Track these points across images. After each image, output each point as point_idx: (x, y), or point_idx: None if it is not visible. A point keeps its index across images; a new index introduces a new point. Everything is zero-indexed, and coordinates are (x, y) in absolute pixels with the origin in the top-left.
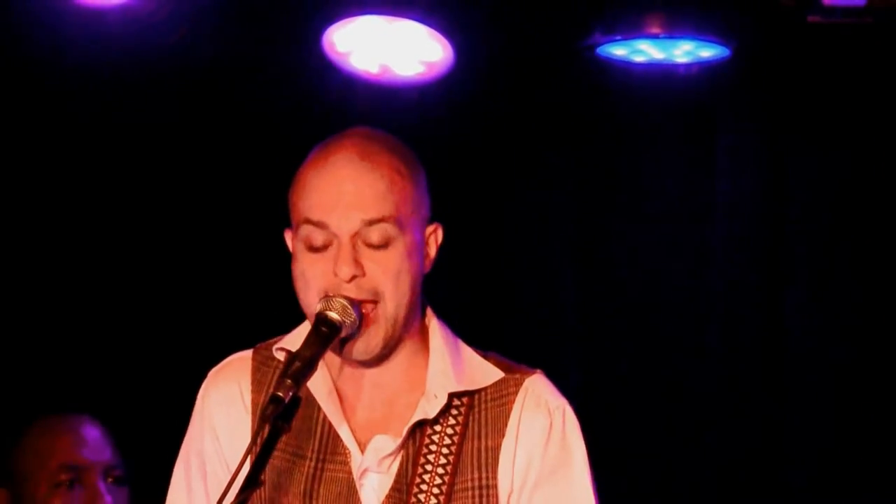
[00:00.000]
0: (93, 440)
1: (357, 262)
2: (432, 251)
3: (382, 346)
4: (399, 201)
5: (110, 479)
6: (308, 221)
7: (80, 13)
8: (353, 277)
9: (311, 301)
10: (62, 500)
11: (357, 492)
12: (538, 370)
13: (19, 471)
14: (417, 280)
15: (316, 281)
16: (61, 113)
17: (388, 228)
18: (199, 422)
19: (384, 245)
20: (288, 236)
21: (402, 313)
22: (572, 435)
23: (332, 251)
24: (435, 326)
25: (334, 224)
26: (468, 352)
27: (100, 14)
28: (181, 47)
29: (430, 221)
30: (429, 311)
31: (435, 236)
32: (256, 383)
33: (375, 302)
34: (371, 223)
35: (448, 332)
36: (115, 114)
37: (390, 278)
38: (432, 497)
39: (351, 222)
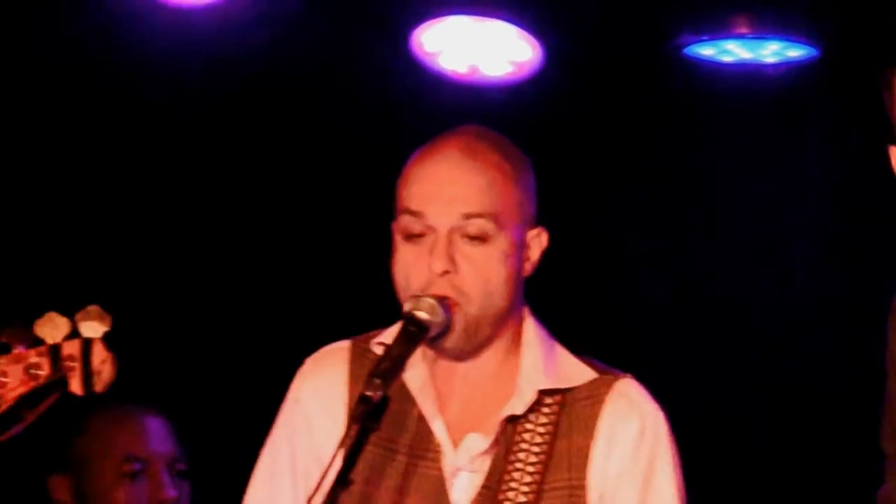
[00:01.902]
0: (158, 432)
1: (451, 259)
2: (534, 255)
3: (463, 341)
4: (499, 199)
5: (175, 472)
6: (407, 211)
7: (166, 14)
8: (445, 273)
9: (404, 293)
10: (127, 491)
11: (447, 490)
12: (630, 374)
13: (82, 459)
14: (512, 282)
15: (410, 273)
16: (149, 113)
17: (485, 225)
18: (292, 409)
19: (481, 241)
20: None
21: (489, 313)
22: (664, 441)
23: (428, 244)
24: (530, 325)
25: (432, 215)
26: (562, 352)
27: (186, 14)
28: (269, 47)
29: (535, 225)
30: (526, 312)
31: (539, 240)
32: (354, 375)
33: (459, 303)
34: (469, 217)
35: (544, 332)
36: (203, 114)
37: (480, 280)
38: (522, 495)
39: (449, 215)
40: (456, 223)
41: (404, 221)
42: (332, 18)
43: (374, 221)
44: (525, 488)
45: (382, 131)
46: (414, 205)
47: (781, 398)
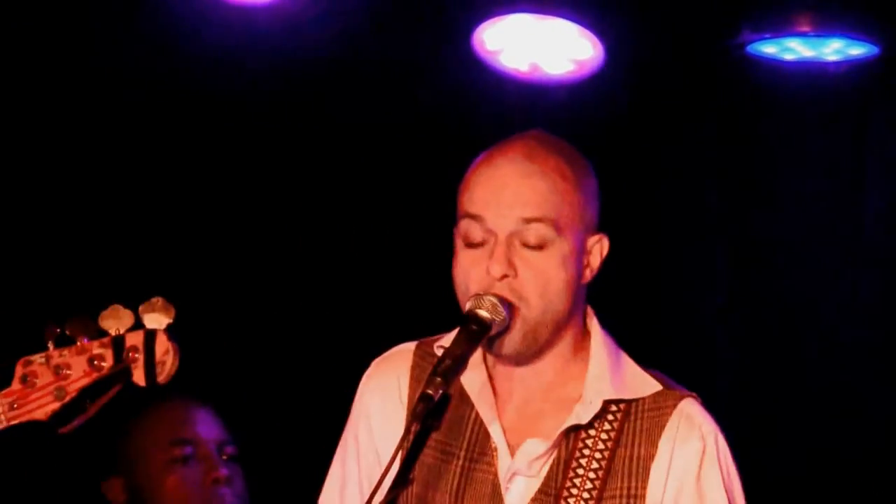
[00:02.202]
0: (204, 418)
1: (510, 263)
2: (595, 262)
3: (521, 345)
4: (560, 205)
5: (224, 456)
6: (468, 215)
7: (229, 12)
8: (504, 277)
9: (463, 297)
10: (178, 475)
11: (502, 494)
12: (694, 394)
13: (131, 454)
14: (572, 288)
15: (469, 278)
16: (211, 111)
17: (545, 230)
18: (357, 409)
19: (540, 247)
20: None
21: (547, 318)
22: (724, 462)
23: (488, 248)
24: (597, 333)
25: (491, 219)
26: (629, 362)
27: (249, 13)
28: (330, 47)
29: (596, 231)
30: (591, 319)
31: (599, 246)
32: (415, 378)
33: (517, 307)
34: (528, 222)
35: (610, 341)
36: (265, 112)
37: (539, 284)
38: (582, 502)
39: (508, 220)
40: (515, 228)
41: (464, 226)
42: (394, 17)
43: (436, 220)
44: (586, 495)
45: (444, 129)
46: (474, 209)
47: (844, 408)
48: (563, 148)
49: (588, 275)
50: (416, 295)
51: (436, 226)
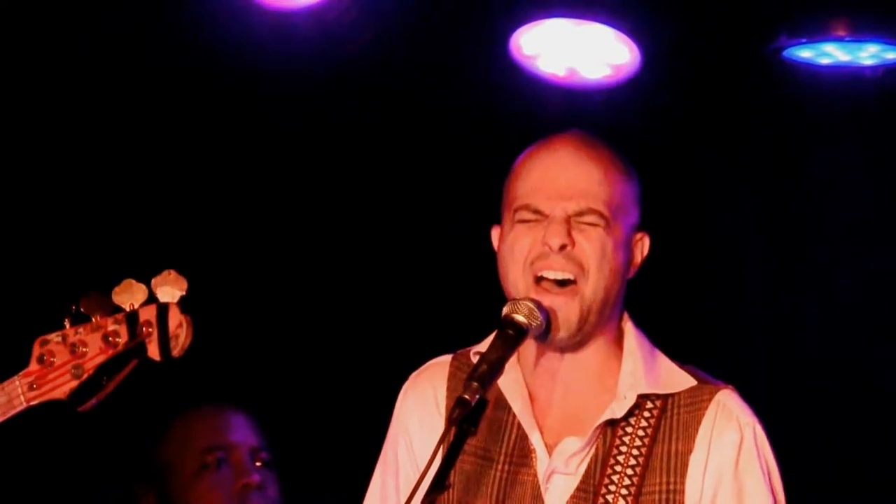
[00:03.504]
0: (237, 423)
1: (569, 234)
2: (637, 258)
3: (577, 324)
4: (614, 196)
5: (258, 462)
6: (523, 206)
7: (267, 16)
8: (563, 247)
9: (515, 273)
10: (210, 481)
11: (542, 495)
12: (730, 385)
13: (164, 462)
14: (619, 276)
15: (523, 252)
16: (249, 116)
17: (599, 219)
18: (396, 423)
19: (596, 225)
20: (494, 234)
21: (599, 297)
22: (763, 452)
23: (542, 225)
24: (630, 331)
25: (548, 209)
26: (663, 358)
27: (287, 17)
28: (367, 51)
29: (639, 230)
30: (625, 317)
31: (641, 245)
32: (452, 389)
33: (576, 281)
34: (582, 213)
35: (644, 337)
36: (303, 116)
37: (597, 256)
38: (620, 498)
39: (565, 209)
40: (572, 214)
41: (519, 215)
42: (432, 22)
43: (474, 225)
44: (624, 491)
45: (481, 134)
46: (529, 200)
47: (886, 413)
48: (609, 145)
49: (631, 271)
50: (454, 298)
51: (474, 231)
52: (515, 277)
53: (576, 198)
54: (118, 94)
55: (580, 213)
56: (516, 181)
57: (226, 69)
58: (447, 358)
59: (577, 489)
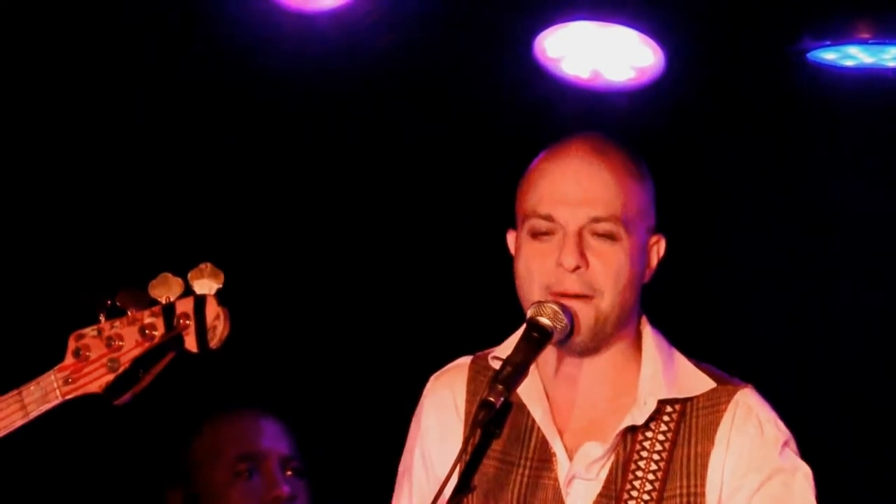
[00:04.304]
0: (270, 431)
1: (582, 254)
2: (653, 262)
3: (590, 337)
4: (628, 202)
5: (289, 472)
6: (536, 214)
7: (290, 19)
8: (577, 268)
9: (532, 295)
10: (241, 490)
11: (563, 500)
12: (749, 384)
13: (195, 466)
14: (635, 284)
15: (539, 272)
16: (272, 118)
17: (614, 227)
18: (416, 425)
19: (611, 238)
20: (510, 238)
21: (615, 313)
22: (784, 449)
23: (557, 241)
24: (649, 334)
25: (562, 218)
26: (682, 360)
27: (310, 19)
28: (390, 54)
29: (655, 232)
30: (644, 320)
31: (657, 247)
32: (471, 392)
33: (591, 297)
34: (598, 221)
35: (662, 340)
36: (326, 119)
37: (611, 275)
38: (642, 503)
39: (578, 218)
40: (585, 223)
41: (531, 224)
42: (455, 24)
43: (497, 229)
44: (646, 496)
45: (505, 137)
46: (544, 208)
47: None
48: (622, 146)
49: (648, 275)
50: (478, 303)
51: (497, 234)
52: (532, 297)
53: (588, 205)
54: (148, 94)
55: (594, 221)
56: (528, 188)
57: (246, 72)
58: (467, 360)
59: (600, 495)
